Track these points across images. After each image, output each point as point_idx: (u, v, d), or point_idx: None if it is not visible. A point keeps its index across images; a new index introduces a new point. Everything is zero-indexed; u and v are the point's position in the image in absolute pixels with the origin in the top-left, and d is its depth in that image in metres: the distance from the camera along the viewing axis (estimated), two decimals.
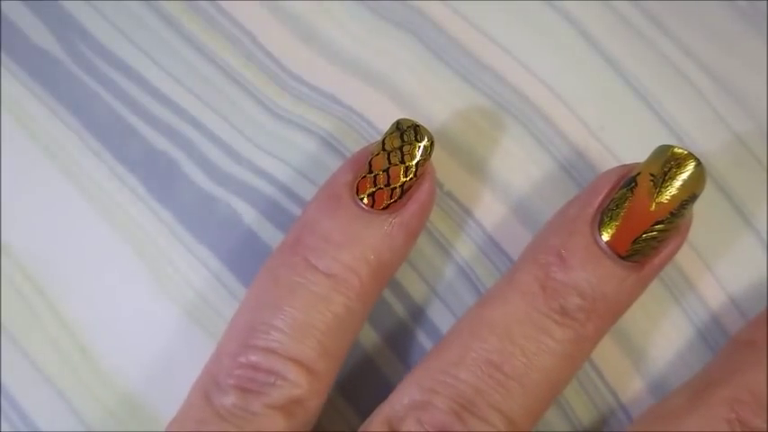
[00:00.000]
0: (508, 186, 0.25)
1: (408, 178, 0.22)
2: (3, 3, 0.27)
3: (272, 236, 0.26)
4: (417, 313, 0.25)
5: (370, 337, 0.25)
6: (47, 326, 0.26)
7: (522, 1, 0.26)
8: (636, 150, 0.25)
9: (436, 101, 0.26)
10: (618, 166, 0.23)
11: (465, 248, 0.25)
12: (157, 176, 0.26)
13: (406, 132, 0.22)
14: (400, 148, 0.22)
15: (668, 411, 0.22)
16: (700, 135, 0.25)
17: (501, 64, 0.26)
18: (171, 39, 0.27)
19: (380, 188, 0.22)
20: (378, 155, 0.22)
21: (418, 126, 0.22)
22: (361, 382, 0.25)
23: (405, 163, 0.22)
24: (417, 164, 0.22)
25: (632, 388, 0.24)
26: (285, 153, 0.26)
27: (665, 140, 0.25)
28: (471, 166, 0.25)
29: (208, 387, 0.22)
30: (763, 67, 0.25)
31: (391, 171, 0.22)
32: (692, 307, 0.24)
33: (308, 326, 0.21)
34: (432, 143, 0.22)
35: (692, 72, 0.25)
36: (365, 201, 0.22)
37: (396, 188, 0.22)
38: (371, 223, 0.22)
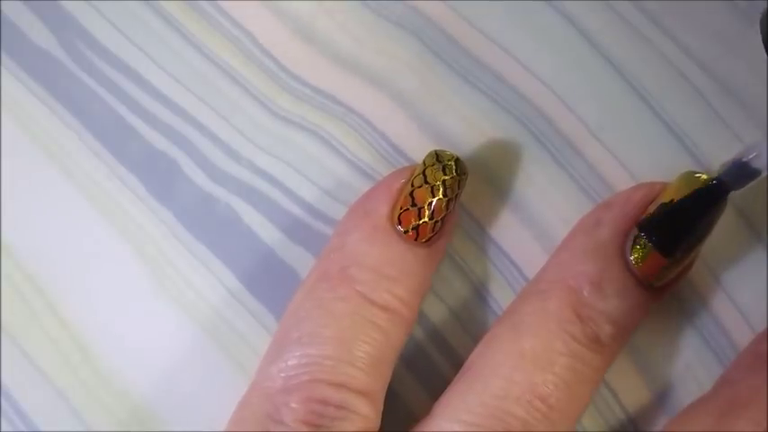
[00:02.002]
0: (507, 186, 0.25)
1: (448, 210, 0.23)
2: (3, 3, 0.27)
3: (273, 236, 0.26)
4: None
5: None
6: (47, 326, 0.26)
7: (522, 1, 0.26)
8: (636, 150, 0.25)
9: (436, 101, 0.26)
10: (642, 186, 0.23)
11: (465, 248, 0.25)
12: (157, 176, 0.26)
13: (448, 167, 0.23)
14: (443, 182, 0.23)
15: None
16: (700, 135, 0.25)
17: (501, 64, 0.26)
18: (171, 39, 0.27)
19: (425, 222, 0.22)
20: (420, 188, 0.23)
21: (458, 159, 0.23)
22: None
23: (447, 197, 0.22)
24: (457, 196, 0.23)
25: (639, 397, 0.24)
26: (285, 153, 0.26)
27: (664, 140, 0.25)
28: (470, 167, 0.25)
29: (261, 418, 0.21)
30: (763, 68, 0.25)
31: (435, 205, 0.22)
32: (697, 314, 0.24)
33: (374, 358, 0.22)
34: (467, 175, 0.23)
35: (692, 72, 0.25)
36: (409, 233, 0.22)
37: (438, 222, 0.23)
38: (418, 257, 0.23)
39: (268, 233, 0.26)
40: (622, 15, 0.26)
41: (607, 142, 0.25)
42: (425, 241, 0.23)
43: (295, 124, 0.26)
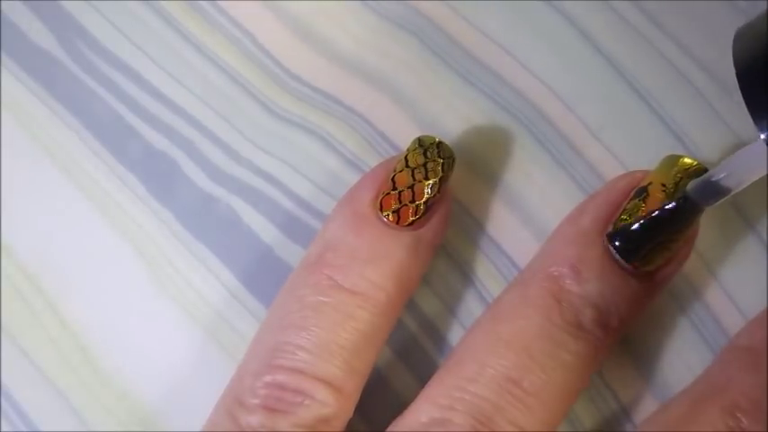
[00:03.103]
0: (507, 186, 0.25)
1: (432, 194, 0.22)
2: (3, 3, 0.27)
3: (273, 236, 0.26)
4: (426, 323, 0.25)
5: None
6: (47, 326, 0.26)
7: (522, 1, 0.26)
8: (636, 150, 0.25)
9: (437, 101, 0.26)
10: (626, 174, 0.23)
11: (465, 249, 0.25)
12: (157, 176, 0.26)
13: (429, 149, 0.23)
14: (424, 165, 0.22)
15: (669, 421, 0.21)
16: (700, 135, 0.25)
17: (501, 64, 0.26)
18: (171, 39, 0.27)
19: (405, 205, 0.22)
20: (401, 171, 0.23)
21: (441, 142, 0.23)
22: (371, 395, 0.25)
23: (429, 179, 0.22)
24: (441, 179, 0.22)
25: (635, 392, 0.24)
26: (285, 153, 0.26)
27: (664, 141, 0.25)
28: (471, 167, 0.25)
29: (232, 407, 0.22)
30: None
31: (416, 188, 0.22)
32: (694, 311, 0.24)
33: (334, 345, 0.22)
34: (453, 159, 0.23)
35: (692, 72, 0.25)
36: (390, 217, 0.22)
37: (420, 205, 0.22)
38: (397, 240, 0.22)
39: (268, 233, 0.26)
40: (622, 15, 0.26)
41: (607, 142, 0.25)
42: (408, 225, 0.22)
43: (295, 124, 0.26)
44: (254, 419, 0.21)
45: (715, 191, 0.20)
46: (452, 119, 0.26)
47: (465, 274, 0.25)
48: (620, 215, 0.22)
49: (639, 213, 0.21)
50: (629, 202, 0.22)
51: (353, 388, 0.22)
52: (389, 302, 0.22)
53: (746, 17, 0.24)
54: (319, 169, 0.26)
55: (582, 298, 0.21)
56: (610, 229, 0.22)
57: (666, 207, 0.21)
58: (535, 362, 0.21)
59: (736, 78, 0.18)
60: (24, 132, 0.27)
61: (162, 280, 0.26)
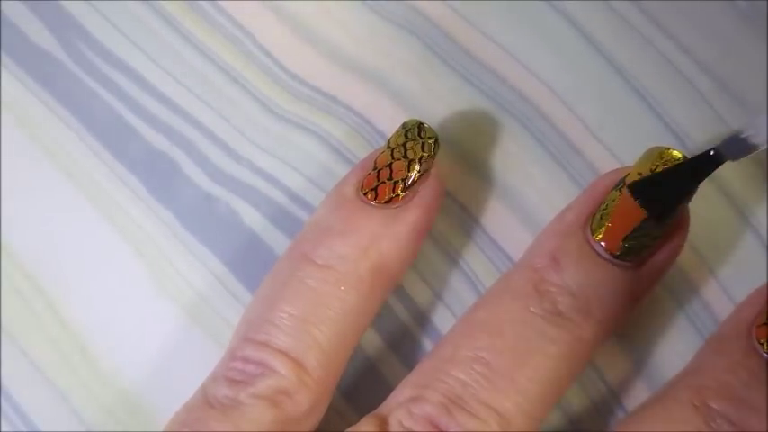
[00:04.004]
0: (508, 186, 0.25)
1: (411, 173, 0.22)
2: (3, 3, 0.27)
3: (273, 236, 0.26)
4: (420, 316, 0.25)
5: (372, 341, 0.25)
6: (47, 326, 0.26)
7: (522, 1, 0.26)
8: (636, 150, 0.25)
9: (436, 101, 0.26)
10: (611, 171, 0.23)
11: (465, 248, 0.25)
12: (157, 176, 0.26)
13: (411, 130, 0.23)
14: (404, 145, 0.23)
15: (639, 408, 0.22)
16: (700, 135, 0.25)
17: (501, 64, 0.26)
18: (171, 39, 0.27)
19: (383, 182, 0.22)
20: (383, 153, 0.23)
21: (422, 124, 0.23)
22: (363, 386, 0.25)
23: (407, 158, 0.22)
24: (420, 159, 0.22)
25: (631, 386, 0.24)
26: (285, 153, 0.26)
27: (664, 141, 0.25)
28: (471, 166, 0.25)
29: (206, 381, 0.22)
30: (763, 68, 0.25)
31: (394, 166, 0.23)
32: (692, 307, 0.24)
33: (299, 319, 0.22)
34: (436, 141, 0.23)
35: (692, 72, 0.25)
36: (368, 195, 0.22)
37: (398, 182, 0.22)
38: (371, 215, 0.22)
39: (268, 233, 0.26)
40: (622, 15, 0.26)
41: (607, 142, 0.25)
42: (386, 202, 0.22)
43: (295, 124, 0.26)
44: (219, 391, 0.21)
45: (743, 147, 0.20)
46: (452, 119, 0.26)
47: (465, 274, 0.25)
48: (600, 207, 0.22)
49: (615, 203, 0.21)
50: (608, 194, 0.22)
51: (320, 365, 0.22)
52: (358, 277, 0.22)
53: (747, 17, 0.24)
54: (319, 168, 0.26)
55: (560, 286, 0.21)
56: (590, 221, 0.22)
57: (694, 158, 0.21)
58: (507, 344, 0.21)
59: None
60: (24, 132, 0.27)
61: (162, 280, 0.26)
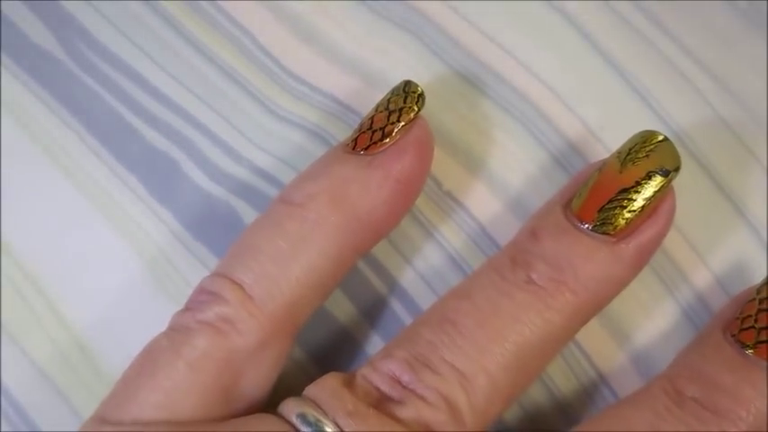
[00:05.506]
0: (508, 186, 0.25)
1: (390, 122, 0.23)
2: (3, 3, 0.27)
3: None
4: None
5: (360, 327, 0.25)
6: (47, 326, 0.26)
7: (522, 1, 0.26)
8: None
9: (436, 101, 0.26)
10: (597, 161, 0.23)
11: (466, 249, 0.25)
12: (157, 176, 0.26)
13: (396, 88, 0.23)
14: (387, 99, 0.23)
15: (627, 396, 0.22)
16: (700, 135, 0.25)
17: (501, 64, 0.26)
18: (171, 39, 0.27)
19: (363, 132, 0.23)
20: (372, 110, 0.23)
21: (409, 81, 0.23)
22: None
23: (389, 110, 0.23)
24: (401, 110, 0.23)
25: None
26: (285, 153, 0.26)
27: None
28: (471, 166, 0.25)
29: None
30: (763, 67, 0.25)
31: (375, 117, 0.23)
32: (685, 298, 0.24)
33: (253, 249, 0.22)
34: (421, 95, 0.23)
35: (692, 72, 0.25)
36: (349, 146, 0.23)
37: (376, 131, 0.23)
38: (345, 160, 0.23)
39: None
40: (622, 15, 0.26)
41: (607, 142, 0.25)
42: (365, 149, 0.23)
43: (295, 124, 0.26)
44: (175, 319, 0.22)
45: None
46: (452, 119, 0.26)
47: (465, 273, 0.25)
48: (580, 188, 0.22)
49: (593, 180, 0.22)
50: (589, 177, 0.22)
51: (269, 297, 0.22)
52: (319, 214, 0.22)
53: (747, 17, 0.24)
54: None
55: (534, 255, 0.22)
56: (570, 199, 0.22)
57: None
58: (474, 305, 0.21)
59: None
60: (24, 132, 0.27)
61: (162, 280, 0.26)
